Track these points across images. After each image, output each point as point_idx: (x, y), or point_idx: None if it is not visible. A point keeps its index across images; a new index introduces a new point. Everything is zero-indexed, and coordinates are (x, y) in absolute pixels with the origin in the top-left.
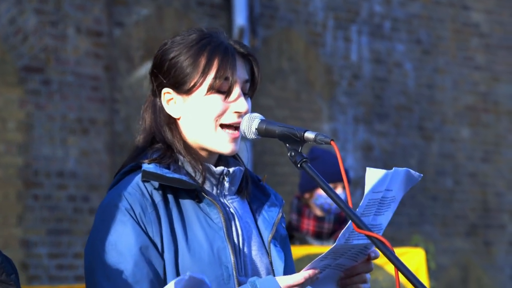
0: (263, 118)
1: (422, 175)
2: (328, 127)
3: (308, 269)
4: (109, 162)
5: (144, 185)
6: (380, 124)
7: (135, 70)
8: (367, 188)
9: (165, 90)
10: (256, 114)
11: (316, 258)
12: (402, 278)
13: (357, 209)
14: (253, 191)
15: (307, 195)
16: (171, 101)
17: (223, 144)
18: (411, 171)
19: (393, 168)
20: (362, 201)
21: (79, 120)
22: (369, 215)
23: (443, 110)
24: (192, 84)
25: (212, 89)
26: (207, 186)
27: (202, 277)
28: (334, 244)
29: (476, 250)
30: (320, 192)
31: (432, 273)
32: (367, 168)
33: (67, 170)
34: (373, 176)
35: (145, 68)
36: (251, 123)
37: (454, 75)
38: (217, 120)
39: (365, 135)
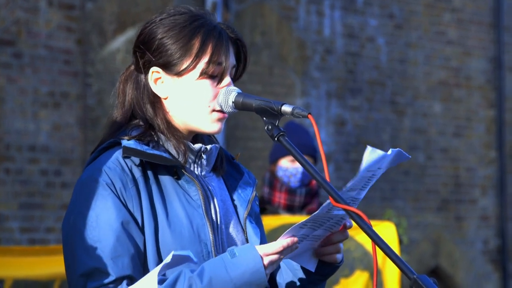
0: (240, 91)
1: (410, 156)
2: (301, 102)
3: (286, 237)
4: (81, 136)
5: (124, 161)
6: (353, 99)
7: (107, 44)
8: (364, 166)
9: (153, 69)
10: (233, 87)
11: (295, 225)
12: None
13: (348, 184)
14: (227, 169)
15: (272, 167)
16: (158, 81)
17: (211, 124)
18: (402, 151)
19: (390, 150)
20: (356, 177)
21: (51, 94)
22: (355, 190)
23: (415, 85)
24: (184, 67)
25: (204, 74)
26: (183, 161)
27: (188, 253)
28: (316, 212)
29: (447, 224)
30: (281, 164)
31: (403, 247)
32: (368, 147)
33: (39, 144)
34: (372, 156)
35: (118, 41)
36: (228, 97)
37: (426, 50)
38: (209, 106)
39: (337, 110)
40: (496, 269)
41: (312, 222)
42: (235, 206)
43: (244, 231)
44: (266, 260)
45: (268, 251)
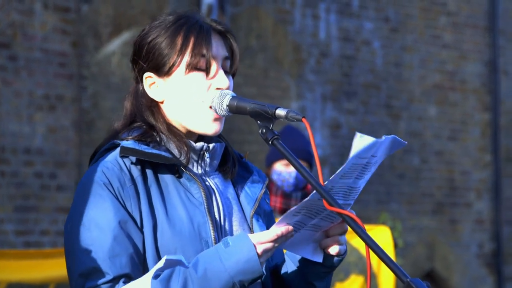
0: (234, 95)
1: (406, 142)
2: (296, 105)
3: (280, 225)
4: (76, 139)
5: (123, 161)
6: (348, 102)
7: (103, 46)
8: (353, 152)
9: (146, 74)
10: (227, 91)
11: (289, 211)
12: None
13: (338, 171)
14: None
15: (267, 171)
16: (153, 85)
17: (207, 124)
18: (397, 138)
19: (383, 137)
20: (345, 164)
21: (46, 97)
22: (350, 178)
23: (410, 88)
24: (171, 64)
25: (190, 67)
26: (185, 161)
27: (179, 257)
28: (308, 197)
29: (442, 228)
30: (275, 168)
31: (398, 250)
32: (358, 134)
33: (34, 146)
34: (361, 142)
35: (113, 44)
36: (222, 100)
37: (422, 54)
38: (203, 101)
39: (333, 113)
40: (491, 273)
41: (306, 209)
42: (242, 205)
43: (251, 229)
44: (260, 249)
45: (262, 239)
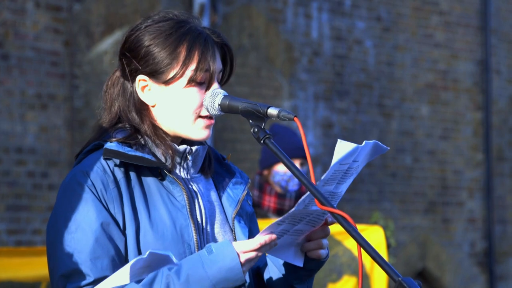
0: (226, 94)
1: (389, 148)
2: (289, 104)
3: (264, 234)
4: (69, 138)
5: (107, 163)
6: (340, 101)
7: (95, 45)
8: (335, 159)
9: (140, 77)
10: (219, 90)
11: (273, 222)
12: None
13: (321, 178)
14: (217, 169)
15: (266, 172)
16: (146, 88)
17: (198, 131)
18: (379, 143)
19: (364, 142)
20: (328, 171)
21: (38, 96)
22: (332, 184)
23: (402, 88)
24: (171, 75)
25: (192, 81)
26: (170, 165)
27: (167, 253)
28: (293, 209)
29: (434, 227)
30: (277, 169)
31: (391, 250)
32: (339, 140)
33: (26, 145)
34: (343, 149)
35: (105, 43)
36: (214, 99)
37: (414, 53)
38: (196, 113)
39: (325, 112)
40: (483, 272)
41: (291, 218)
42: (224, 206)
43: (232, 231)
44: (243, 258)
45: (245, 248)
